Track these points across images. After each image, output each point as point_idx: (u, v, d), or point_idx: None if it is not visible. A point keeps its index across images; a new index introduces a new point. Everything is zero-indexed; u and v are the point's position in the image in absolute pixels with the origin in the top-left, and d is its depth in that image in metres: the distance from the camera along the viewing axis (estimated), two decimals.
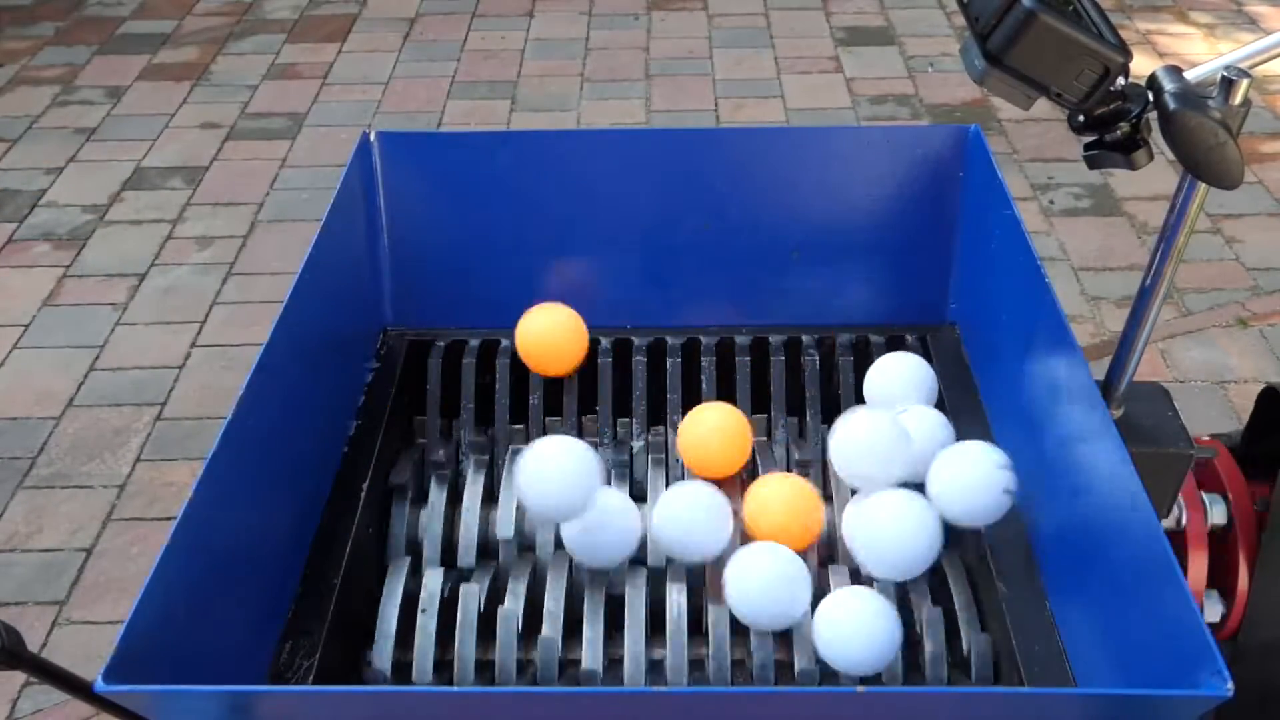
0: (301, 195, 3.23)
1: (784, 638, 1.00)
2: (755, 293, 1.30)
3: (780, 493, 1.07)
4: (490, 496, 1.16)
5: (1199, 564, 1.27)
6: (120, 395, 2.55)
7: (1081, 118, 0.99)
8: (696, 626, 1.04)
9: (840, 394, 1.24)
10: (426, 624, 1.01)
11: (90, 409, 2.52)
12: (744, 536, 1.05)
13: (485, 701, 0.81)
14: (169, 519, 2.05)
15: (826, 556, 1.12)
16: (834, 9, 4.20)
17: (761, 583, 0.97)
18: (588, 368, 1.23)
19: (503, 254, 1.29)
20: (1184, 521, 1.27)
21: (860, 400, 1.24)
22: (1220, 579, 1.29)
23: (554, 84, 3.77)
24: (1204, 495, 1.28)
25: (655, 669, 1.01)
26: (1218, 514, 1.27)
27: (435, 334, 1.28)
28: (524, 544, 1.12)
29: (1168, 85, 0.97)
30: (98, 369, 2.62)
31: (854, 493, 1.09)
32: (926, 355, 1.25)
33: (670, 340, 1.26)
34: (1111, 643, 0.87)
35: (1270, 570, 1.25)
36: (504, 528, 1.12)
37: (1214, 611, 1.28)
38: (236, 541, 0.93)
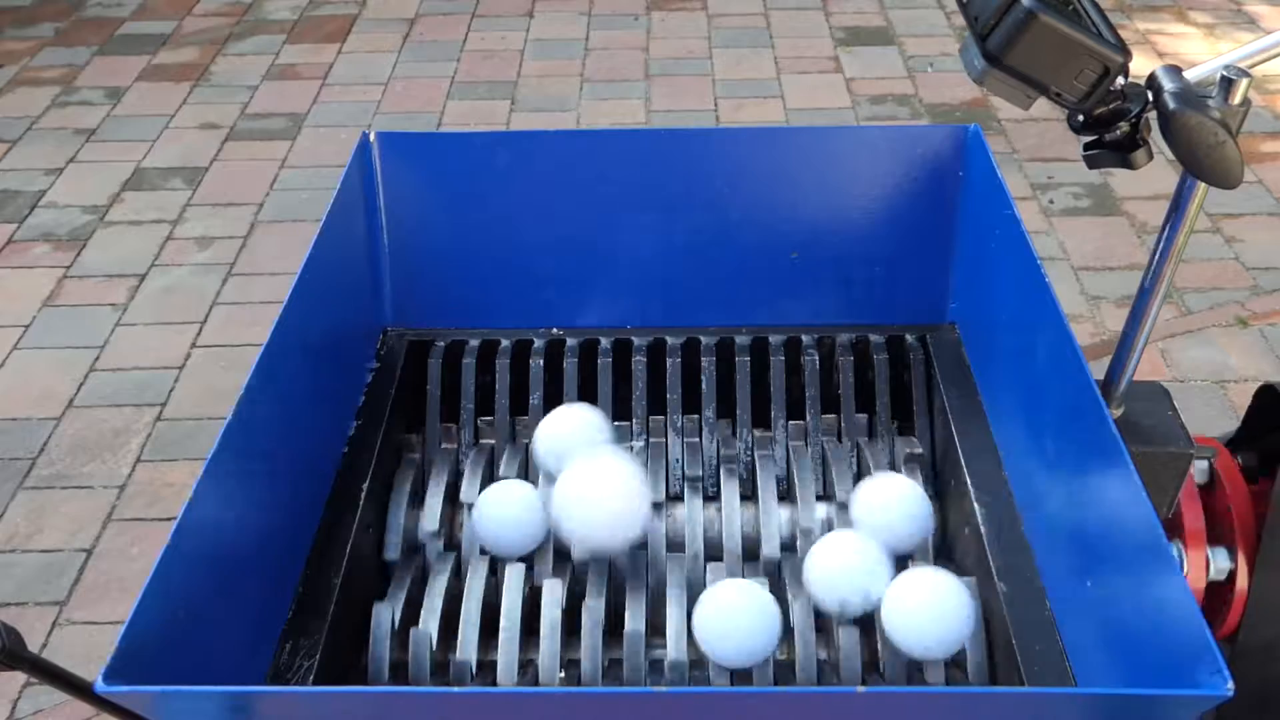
0: (301, 195, 3.23)
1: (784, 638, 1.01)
2: (755, 293, 1.30)
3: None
4: None
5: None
6: (120, 395, 2.55)
7: (1081, 117, 0.99)
8: None
9: (840, 394, 1.24)
10: (427, 623, 1.01)
11: (90, 409, 2.52)
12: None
13: (485, 701, 0.81)
14: (169, 519, 2.06)
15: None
16: (834, 9, 4.20)
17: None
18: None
19: (503, 254, 1.29)
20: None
21: (859, 401, 1.24)
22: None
23: (554, 84, 3.77)
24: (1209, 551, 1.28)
25: (655, 669, 1.01)
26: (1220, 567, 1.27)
27: (435, 334, 1.29)
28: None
29: (1167, 85, 0.97)
30: (98, 369, 2.62)
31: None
32: (926, 355, 1.25)
33: (670, 340, 1.26)
34: (1111, 643, 0.87)
35: (1270, 570, 1.25)
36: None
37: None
38: (236, 542, 0.93)
